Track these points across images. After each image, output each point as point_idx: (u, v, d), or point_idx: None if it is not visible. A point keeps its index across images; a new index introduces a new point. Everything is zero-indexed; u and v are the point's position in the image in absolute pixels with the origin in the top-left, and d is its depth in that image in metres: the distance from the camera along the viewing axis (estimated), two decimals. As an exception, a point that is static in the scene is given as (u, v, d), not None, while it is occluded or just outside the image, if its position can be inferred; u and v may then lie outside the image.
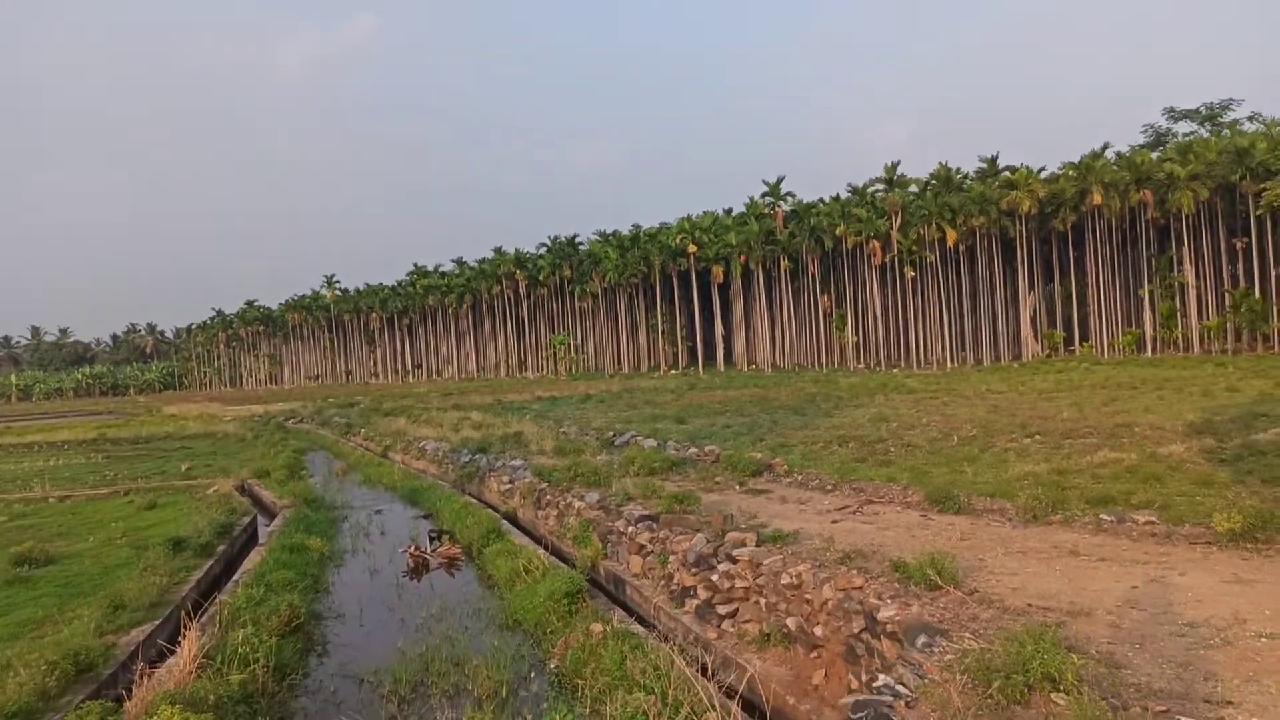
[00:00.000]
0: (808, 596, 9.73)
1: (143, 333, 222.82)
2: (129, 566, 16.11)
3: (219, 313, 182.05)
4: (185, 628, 11.34)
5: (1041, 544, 11.14)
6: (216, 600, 13.88)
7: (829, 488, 17.09)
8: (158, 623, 12.63)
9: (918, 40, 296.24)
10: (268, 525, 21.80)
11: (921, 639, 7.65)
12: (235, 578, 15.36)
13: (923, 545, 11.43)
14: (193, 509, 22.94)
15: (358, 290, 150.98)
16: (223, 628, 11.90)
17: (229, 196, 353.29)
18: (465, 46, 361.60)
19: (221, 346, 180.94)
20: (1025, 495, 13.39)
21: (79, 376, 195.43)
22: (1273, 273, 65.01)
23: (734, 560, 11.45)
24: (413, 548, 18.57)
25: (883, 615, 8.21)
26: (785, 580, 10.19)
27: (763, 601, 10.60)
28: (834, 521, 13.76)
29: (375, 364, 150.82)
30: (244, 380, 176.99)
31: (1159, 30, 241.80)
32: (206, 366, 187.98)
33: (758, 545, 11.86)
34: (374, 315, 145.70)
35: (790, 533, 12.55)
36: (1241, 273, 68.58)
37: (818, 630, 9.39)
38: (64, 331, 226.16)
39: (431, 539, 19.40)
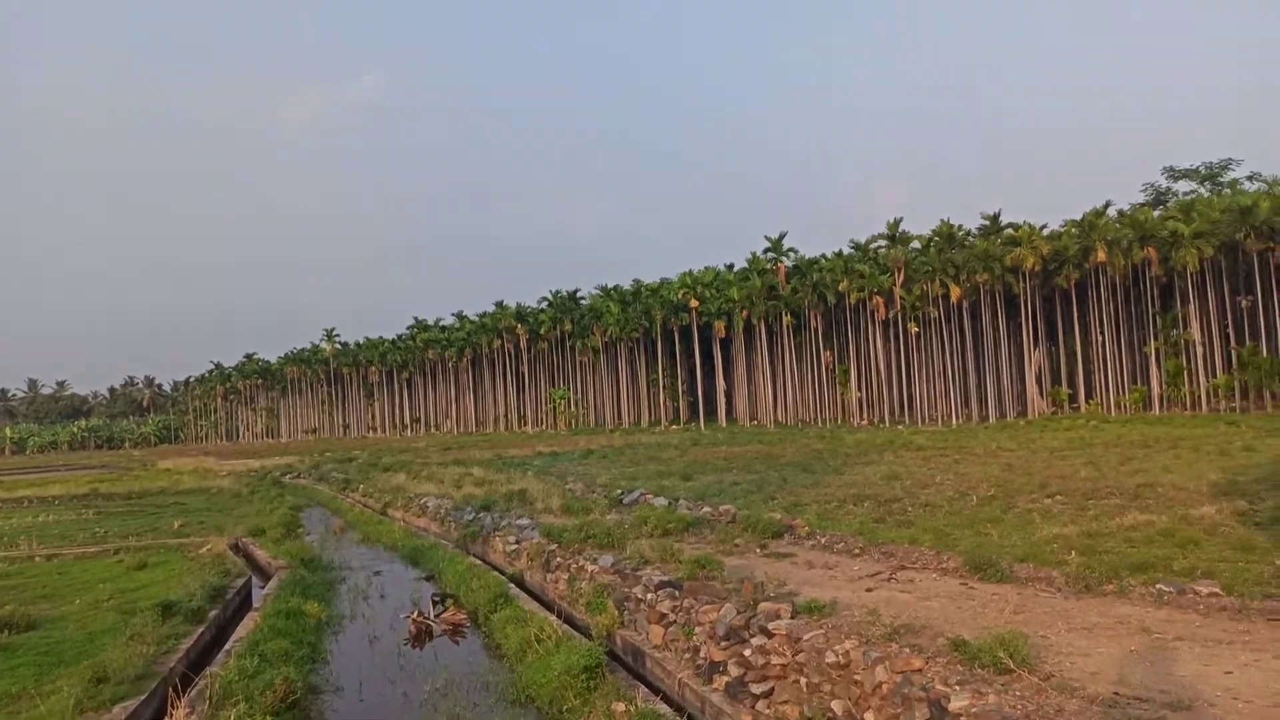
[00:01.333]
0: (857, 678, 8.87)
1: (140, 386, 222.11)
2: (115, 633, 15.14)
3: (217, 366, 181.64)
4: (172, 705, 10.43)
5: (1103, 618, 10.29)
6: (207, 672, 12.94)
7: (856, 551, 16.23)
8: (143, 698, 11.67)
9: (915, 100, 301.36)
10: (262, 587, 20.81)
11: (996, 732, 6.82)
12: (227, 646, 14.40)
13: (974, 619, 10.59)
14: (184, 569, 21.97)
15: (357, 344, 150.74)
16: (213, 705, 10.97)
17: (229, 249, 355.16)
18: (466, 100, 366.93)
19: (219, 400, 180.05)
20: (1075, 563, 12.58)
21: (74, 430, 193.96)
22: (1278, 331, 64.62)
23: (769, 634, 10.58)
24: (415, 613, 17.60)
25: (954, 705, 7.35)
26: (830, 659, 9.32)
27: (803, 681, 9.71)
28: (868, 590, 12.90)
29: (374, 418, 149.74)
30: (241, 434, 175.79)
31: (1157, 92, 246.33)
32: (204, 420, 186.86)
33: (793, 617, 10.99)
34: (373, 369, 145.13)
35: (827, 603, 11.68)
36: (1247, 331, 68.22)
37: (868, 717, 8.52)
38: (61, 384, 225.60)
39: (435, 603, 18.42)
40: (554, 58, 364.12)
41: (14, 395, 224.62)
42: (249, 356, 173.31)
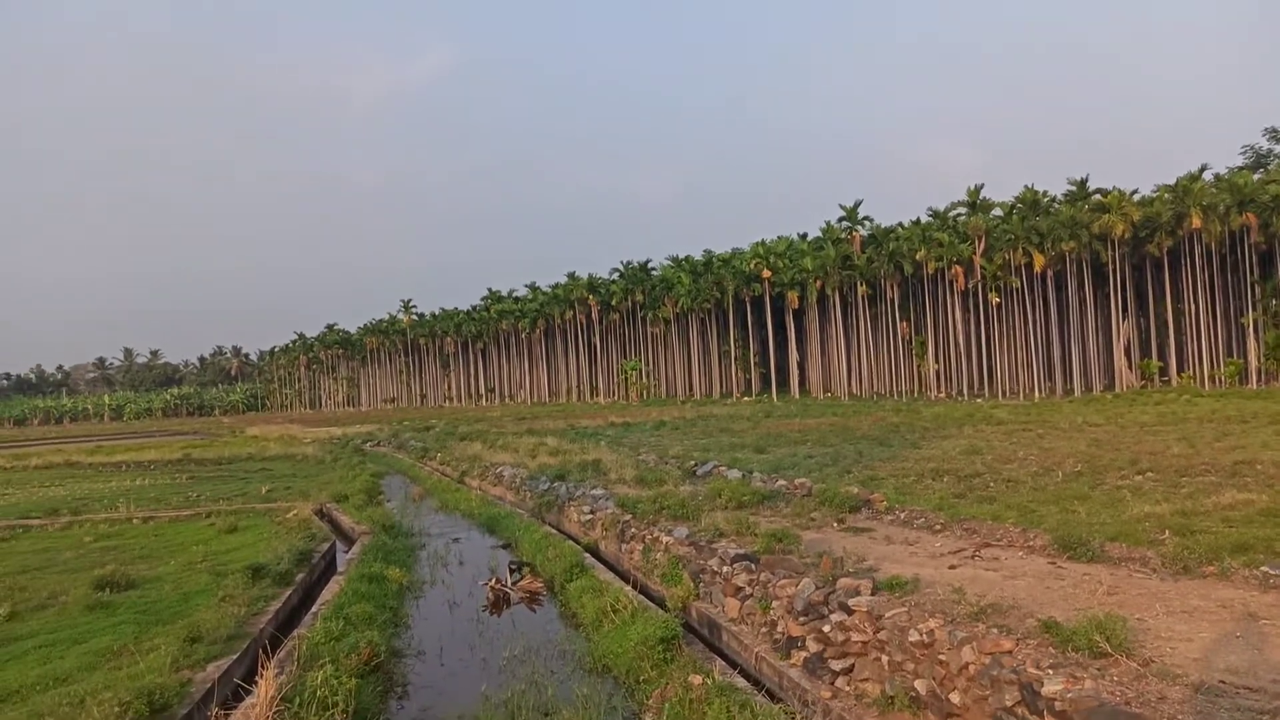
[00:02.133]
0: (942, 657, 8.65)
1: (228, 355, 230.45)
2: (208, 593, 15.77)
3: (300, 336, 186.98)
4: (262, 665, 10.77)
5: (1204, 601, 9.83)
6: (295, 634, 13.35)
7: (937, 527, 15.85)
8: (234, 658, 12.11)
9: (989, 66, 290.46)
10: (346, 552, 21.41)
11: None
12: (314, 610, 14.85)
13: (1065, 600, 10.21)
14: (272, 533, 22.73)
15: (433, 314, 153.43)
16: (300, 666, 11.29)
17: (312, 223, 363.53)
18: (533, 75, 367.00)
19: (302, 369, 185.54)
20: (1171, 543, 12.04)
21: (167, 397, 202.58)
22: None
23: (849, 610, 10.40)
24: (493, 581, 17.89)
25: (1048, 690, 7.09)
26: (914, 638, 9.11)
27: (885, 659, 9.52)
28: (951, 567, 12.58)
29: (449, 388, 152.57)
30: (323, 402, 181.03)
31: (1253, 48, 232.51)
32: (288, 389, 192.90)
33: (874, 594, 10.78)
34: (448, 340, 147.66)
35: (908, 580, 11.43)
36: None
37: (954, 698, 8.31)
38: (155, 354, 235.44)
39: (512, 571, 18.69)
40: (616, 27, 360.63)
41: (111, 364, 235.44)
42: (330, 327, 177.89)
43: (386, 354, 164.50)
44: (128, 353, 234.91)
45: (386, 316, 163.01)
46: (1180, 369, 72.70)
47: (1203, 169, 70.27)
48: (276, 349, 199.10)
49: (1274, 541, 13.27)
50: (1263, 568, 10.98)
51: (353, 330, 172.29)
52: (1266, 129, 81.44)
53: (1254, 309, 67.68)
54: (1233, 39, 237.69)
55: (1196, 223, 65.61)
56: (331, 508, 28.43)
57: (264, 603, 15.34)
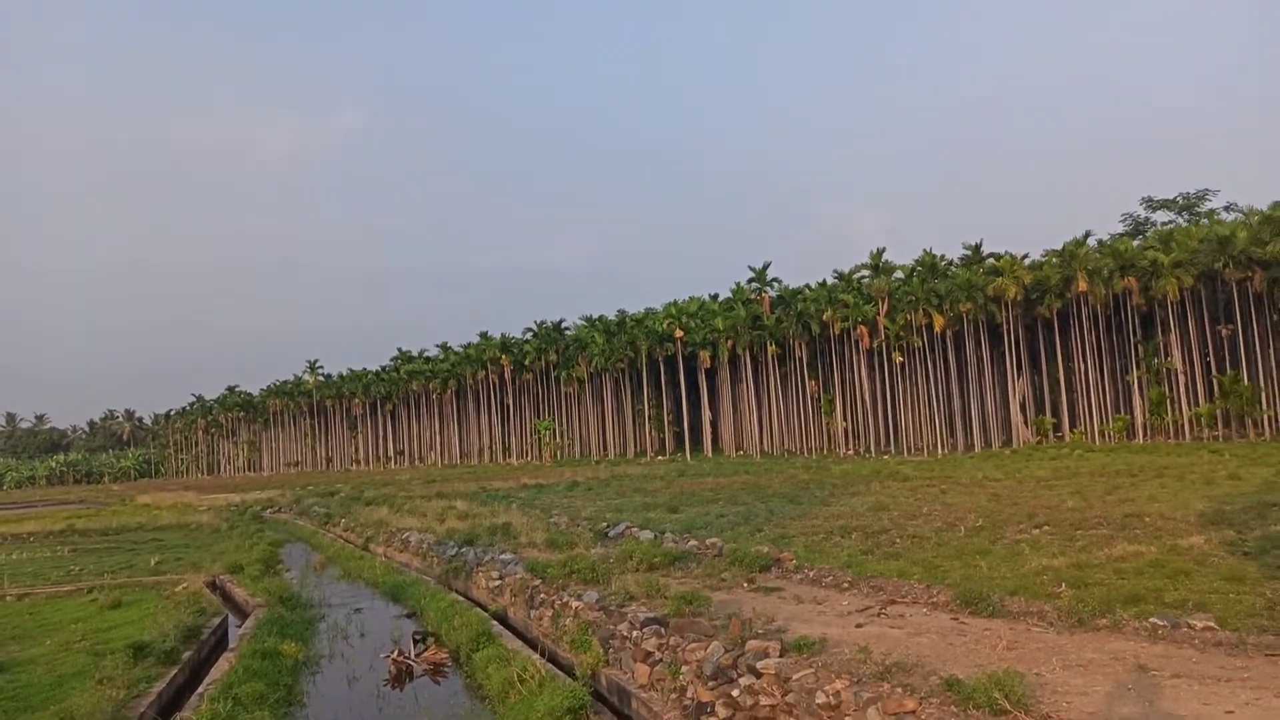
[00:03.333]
0: (848, 719, 8.63)
1: (120, 419, 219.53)
2: (85, 676, 14.69)
3: (199, 399, 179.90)
4: (140, 754, 10.03)
5: (1099, 654, 10.10)
6: (178, 716, 12.54)
7: (845, 585, 15.99)
8: (110, 746, 11.28)
9: (892, 133, 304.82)
10: (239, 626, 20.35)
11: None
12: (200, 690, 13.99)
13: (967, 656, 10.37)
14: (160, 608, 21.46)
15: (341, 375, 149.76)
16: (183, 753, 10.58)
17: (210, 281, 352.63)
18: (448, 136, 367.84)
19: (200, 433, 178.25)
20: (1067, 596, 12.41)
21: (53, 464, 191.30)
22: (1259, 359, 65.19)
23: (757, 673, 10.32)
24: (395, 652, 17.20)
25: (949, 749, 7.14)
26: (820, 699, 9.08)
27: (793, 722, 9.45)
28: (858, 626, 12.66)
29: (357, 450, 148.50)
30: (222, 467, 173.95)
31: (1132, 124, 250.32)
32: (184, 454, 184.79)
33: (782, 655, 10.75)
34: (356, 401, 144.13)
35: (816, 640, 11.44)
36: (1228, 359, 68.76)
37: (861, 759, 8.27)
38: (40, 418, 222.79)
39: (415, 641, 18.03)
40: (534, 89, 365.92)
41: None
42: (231, 389, 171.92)
43: (291, 416, 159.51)
44: (10, 417, 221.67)
45: (292, 378, 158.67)
46: (1072, 425, 76.01)
47: (1087, 235, 74.64)
48: (173, 412, 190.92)
49: (1162, 592, 13.83)
50: (1151, 619, 11.38)
51: (255, 392, 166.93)
52: (1143, 199, 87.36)
53: (1137, 367, 71.51)
54: (1096, 125, 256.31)
55: (1083, 286, 69.33)
56: (225, 579, 27.09)
57: (146, 684, 14.39)
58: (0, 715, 12.84)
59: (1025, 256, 76.23)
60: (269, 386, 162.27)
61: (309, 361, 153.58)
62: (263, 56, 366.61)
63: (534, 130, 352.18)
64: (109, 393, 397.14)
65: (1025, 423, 76.85)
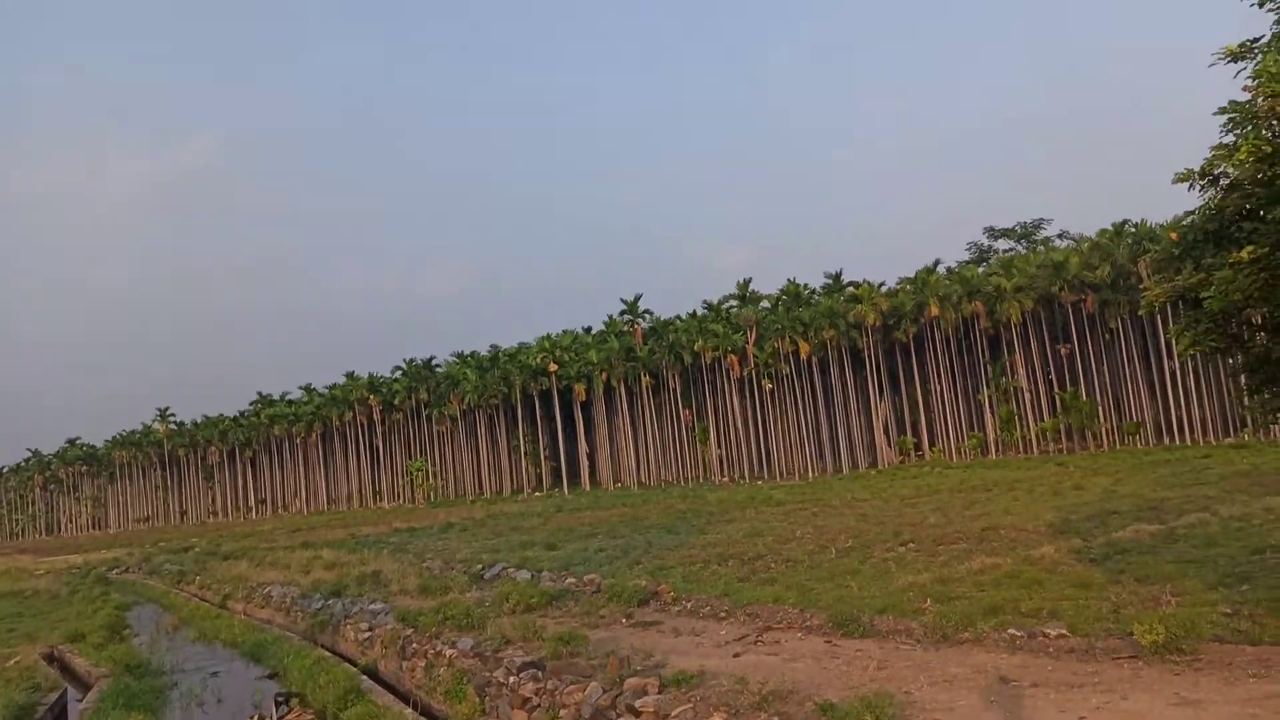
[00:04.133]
0: (727, 753, 8.57)
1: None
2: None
3: (35, 453, 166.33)
4: None
5: (962, 668, 10.44)
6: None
7: (722, 615, 16.06)
8: None
9: (750, 168, 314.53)
10: (80, 701, 18.68)
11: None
12: (30, 777, 12.70)
13: (840, 679, 10.53)
14: (-14, 687, 19.47)
15: (194, 423, 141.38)
16: None
17: (49, 328, 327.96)
18: (305, 174, 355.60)
19: (38, 490, 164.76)
20: (931, 612, 12.83)
21: None
22: (1095, 375, 70.29)
23: (636, 712, 10.16)
24: (256, 718, 16.13)
25: (826, 778, 7.16)
26: (700, 735, 8.99)
27: (673, 761, 9.32)
28: (736, 655, 12.70)
29: (214, 501, 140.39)
30: (63, 527, 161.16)
31: (974, 158, 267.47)
32: (20, 514, 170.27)
33: (661, 691, 10.62)
34: (213, 449, 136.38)
35: (694, 673, 11.37)
36: (1068, 376, 73.80)
37: (742, 793, 8.21)
38: None
39: (278, 704, 16.94)
40: (390, 117, 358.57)
41: None
42: (71, 441, 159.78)
43: (140, 468, 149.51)
44: None
45: (140, 427, 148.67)
46: (932, 444, 79.74)
47: (936, 263, 79.06)
48: (5, 469, 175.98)
49: (1019, 602, 14.49)
50: (1010, 630, 11.89)
51: (99, 444, 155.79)
52: (986, 228, 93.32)
53: (987, 386, 75.82)
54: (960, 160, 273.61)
55: (935, 311, 73.18)
56: (64, 650, 24.89)
57: (-35, 776, 12.96)
58: None
59: (882, 284, 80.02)
60: (115, 437, 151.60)
61: (159, 409, 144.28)
62: (105, 86, 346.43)
63: (393, 165, 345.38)
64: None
65: (889, 443, 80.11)
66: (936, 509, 32.74)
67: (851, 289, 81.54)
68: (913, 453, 79.66)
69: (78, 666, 22.93)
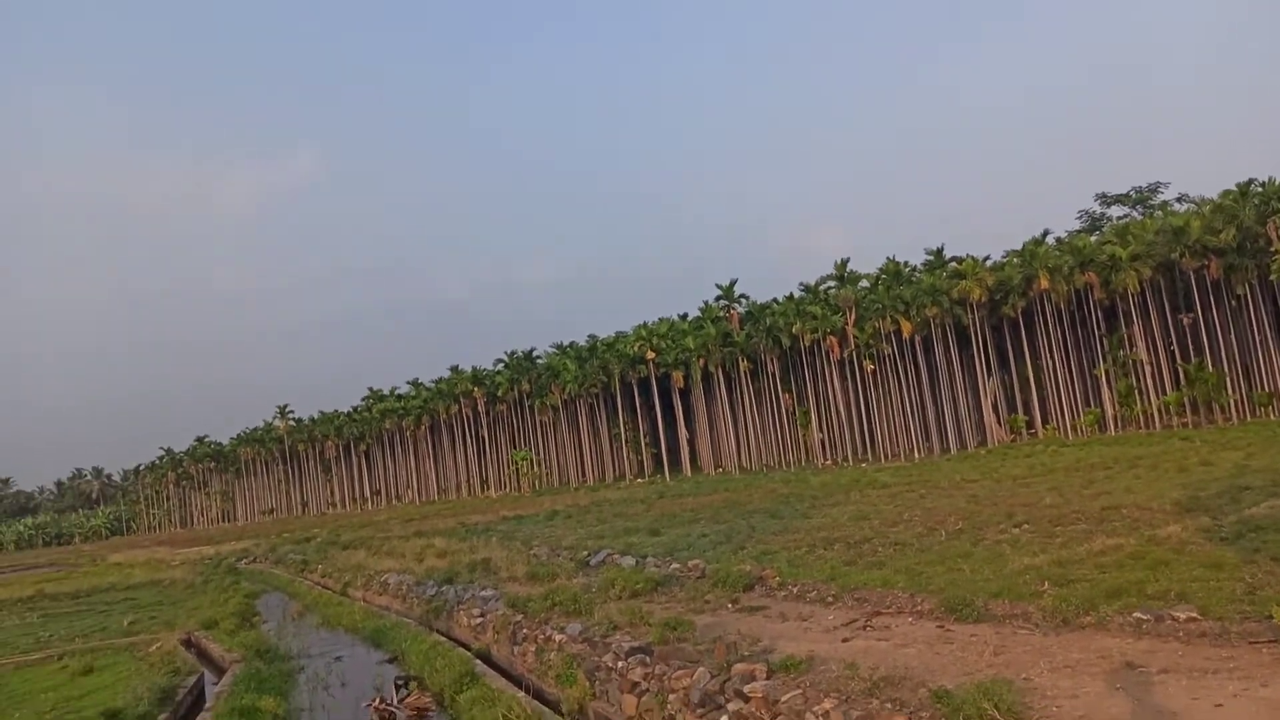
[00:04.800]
0: (839, 739, 8.47)
1: (88, 477, 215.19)
2: (54, 749, 14.22)
3: (168, 451, 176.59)
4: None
5: (1085, 654, 10.03)
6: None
7: (829, 599, 15.86)
8: (80, 822, 10.85)
9: (841, 148, 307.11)
10: (216, 684, 19.82)
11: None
12: (175, 754, 13.55)
13: (954, 664, 10.26)
14: (134, 671, 20.88)
15: (312, 419, 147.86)
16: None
17: (176, 331, 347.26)
18: (409, 175, 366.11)
19: (171, 486, 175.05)
20: (1050, 596, 12.36)
21: (20, 528, 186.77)
22: (1220, 345, 66.30)
23: (745, 698, 10.14)
24: (377, 700, 16.78)
25: (942, 765, 7.00)
26: (810, 720, 8.92)
27: (784, 746, 9.27)
28: (844, 640, 12.53)
29: (332, 493, 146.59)
30: (195, 520, 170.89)
31: (1084, 120, 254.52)
32: (156, 509, 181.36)
33: (769, 677, 10.57)
34: (329, 443, 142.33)
35: (803, 658, 11.28)
36: (1191, 347, 69.86)
37: (855, 779, 8.11)
38: (5, 482, 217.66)
39: (398, 687, 17.63)
40: (491, 117, 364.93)
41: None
42: (200, 440, 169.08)
43: (263, 464, 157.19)
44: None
45: (262, 424, 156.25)
46: (1045, 421, 76.73)
47: (1045, 234, 75.79)
48: (142, 467, 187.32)
49: (1144, 584, 13.80)
50: (1135, 613, 11.35)
51: (225, 442, 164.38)
52: (1098, 195, 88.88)
53: (1104, 360, 72.42)
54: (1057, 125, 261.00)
55: (1044, 284, 70.23)
56: (200, 636, 26.44)
57: (119, 753, 13.92)
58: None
59: (987, 259, 77.27)
60: (239, 435, 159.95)
61: (279, 407, 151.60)
62: (219, 105, 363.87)
63: (489, 161, 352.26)
64: (76, 451, 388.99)
65: (999, 422, 77.49)
66: (1052, 489, 31.51)
67: (954, 264, 79.04)
68: (1024, 431, 76.83)
69: (212, 651, 24.31)
